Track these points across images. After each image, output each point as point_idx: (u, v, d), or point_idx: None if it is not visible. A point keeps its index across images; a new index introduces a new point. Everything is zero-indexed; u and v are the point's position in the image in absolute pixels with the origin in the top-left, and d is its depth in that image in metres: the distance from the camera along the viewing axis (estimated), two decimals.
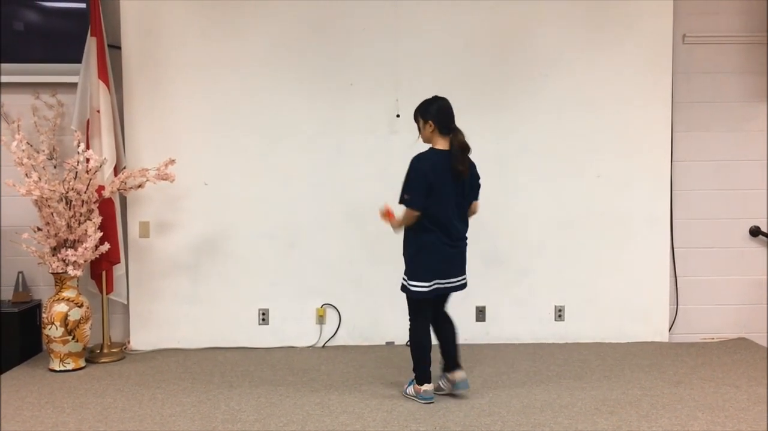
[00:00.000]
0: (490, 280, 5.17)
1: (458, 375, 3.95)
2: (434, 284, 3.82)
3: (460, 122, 5.04)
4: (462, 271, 3.95)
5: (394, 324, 4.92)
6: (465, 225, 3.94)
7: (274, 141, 5.08)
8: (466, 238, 3.96)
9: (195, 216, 5.07)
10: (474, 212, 4.01)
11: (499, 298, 5.18)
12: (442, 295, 3.96)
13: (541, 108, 5.11)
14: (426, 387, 3.89)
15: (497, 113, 5.11)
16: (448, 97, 5.06)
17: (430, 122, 3.86)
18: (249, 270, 5.10)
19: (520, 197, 5.15)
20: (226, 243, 5.09)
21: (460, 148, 3.80)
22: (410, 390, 3.98)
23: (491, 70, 5.11)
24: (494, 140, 5.12)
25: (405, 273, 3.88)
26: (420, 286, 3.80)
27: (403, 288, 3.89)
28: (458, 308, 5.13)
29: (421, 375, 3.91)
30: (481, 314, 5.20)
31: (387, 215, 3.84)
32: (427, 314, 3.92)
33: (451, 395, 4.00)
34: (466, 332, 5.17)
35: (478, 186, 3.98)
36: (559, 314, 5.21)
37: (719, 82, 5.25)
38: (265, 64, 5.04)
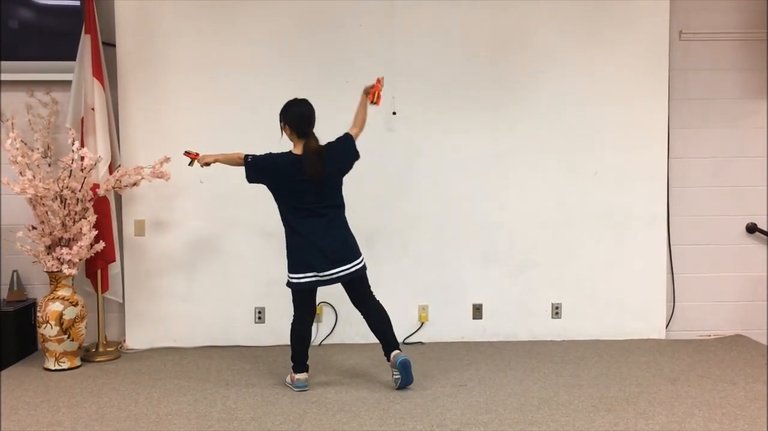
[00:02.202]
0: (487, 277, 5.16)
1: (395, 353, 4.02)
2: (310, 277, 4.00)
3: (456, 120, 5.08)
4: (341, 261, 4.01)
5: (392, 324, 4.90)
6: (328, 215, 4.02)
7: (269, 139, 5.03)
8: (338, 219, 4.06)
9: (191, 214, 5.05)
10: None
11: (496, 295, 5.18)
12: (335, 284, 4.06)
13: (538, 106, 5.10)
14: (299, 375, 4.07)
15: (494, 110, 5.10)
16: (445, 95, 5.09)
17: (287, 125, 4.05)
18: (245, 268, 5.09)
19: (517, 195, 5.14)
20: (221, 241, 5.07)
21: (313, 152, 3.94)
22: (288, 378, 4.16)
23: (488, 68, 5.10)
24: (491, 137, 5.11)
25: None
26: (296, 277, 4.03)
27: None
28: (455, 305, 5.16)
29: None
30: (478, 311, 5.19)
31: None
32: (304, 306, 4.09)
33: (449, 394, 3.98)
34: (463, 329, 5.18)
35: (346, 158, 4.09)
36: (556, 311, 5.20)
37: (716, 79, 5.25)
38: (261, 62, 5.02)
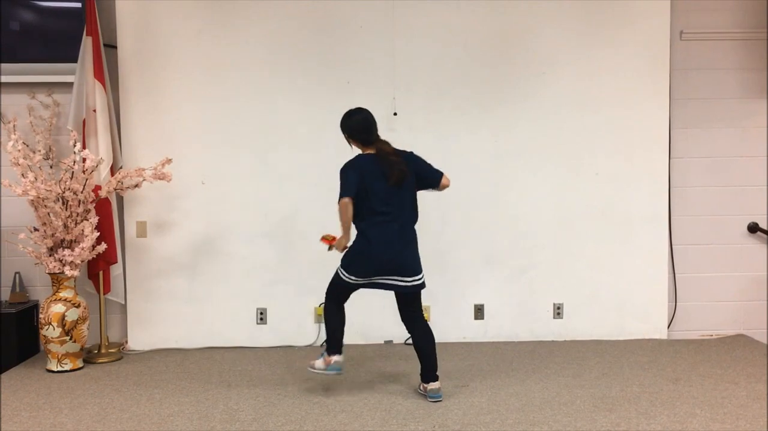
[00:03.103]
0: (488, 278, 5.16)
1: (431, 386, 3.92)
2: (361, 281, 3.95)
3: (457, 120, 5.08)
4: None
5: (393, 323, 4.90)
6: (401, 223, 3.91)
7: (271, 140, 5.07)
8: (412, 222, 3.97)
9: (192, 216, 5.05)
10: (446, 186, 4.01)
11: (498, 296, 5.18)
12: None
13: (539, 106, 5.10)
14: (336, 357, 3.96)
15: (495, 111, 5.10)
16: (446, 96, 5.09)
17: (350, 138, 3.96)
18: (247, 269, 5.09)
19: (519, 195, 5.14)
20: (223, 242, 5.08)
21: (391, 155, 3.85)
22: (319, 362, 3.98)
23: (489, 69, 5.10)
24: (492, 138, 5.11)
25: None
26: (347, 276, 3.96)
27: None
28: (457, 306, 5.16)
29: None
30: (479, 312, 5.19)
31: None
32: (345, 295, 4.06)
33: (451, 394, 3.99)
34: (465, 330, 5.18)
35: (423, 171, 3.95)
36: (558, 311, 5.20)
37: (717, 79, 5.25)
38: (262, 63, 5.03)
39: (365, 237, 3.87)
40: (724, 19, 5.22)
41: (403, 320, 4.01)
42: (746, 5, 5.23)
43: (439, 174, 3.94)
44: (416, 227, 3.96)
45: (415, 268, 3.89)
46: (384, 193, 3.80)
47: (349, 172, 3.83)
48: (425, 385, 3.93)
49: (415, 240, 3.94)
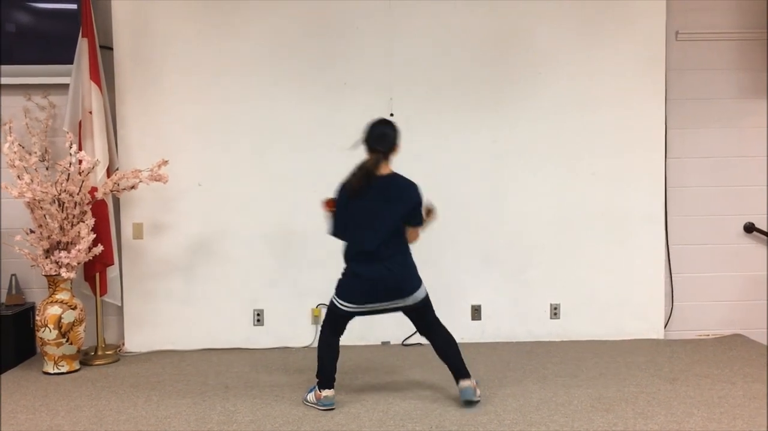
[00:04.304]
0: (485, 278, 5.16)
1: (462, 383, 3.81)
2: (354, 308, 3.81)
3: (455, 121, 5.08)
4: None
5: (389, 324, 4.91)
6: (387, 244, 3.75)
7: (268, 141, 5.06)
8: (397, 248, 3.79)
9: (189, 217, 5.05)
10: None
11: (495, 296, 5.18)
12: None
13: (536, 107, 5.11)
14: (326, 392, 3.80)
15: (491, 111, 5.10)
16: (443, 97, 5.10)
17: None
18: (244, 271, 5.09)
19: (515, 196, 5.15)
20: (220, 244, 5.07)
21: (361, 167, 3.74)
22: (310, 396, 3.87)
23: (485, 70, 5.10)
24: (488, 138, 5.12)
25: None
26: (341, 303, 3.83)
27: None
28: (454, 306, 5.15)
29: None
30: (476, 312, 5.19)
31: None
32: (339, 325, 3.89)
33: (448, 395, 3.99)
34: (462, 331, 5.16)
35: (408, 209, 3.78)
36: (555, 312, 5.21)
37: (712, 79, 5.26)
38: (259, 64, 5.02)
39: (353, 261, 3.76)
40: (720, 19, 5.23)
41: (420, 333, 3.95)
42: (742, 5, 5.24)
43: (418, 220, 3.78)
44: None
45: (412, 285, 3.76)
46: (360, 212, 3.69)
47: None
48: (459, 383, 3.80)
49: (401, 258, 3.75)
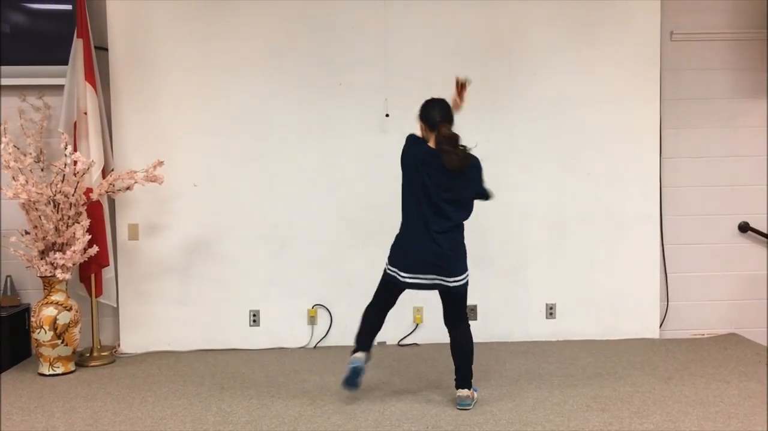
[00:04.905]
0: (481, 278, 5.15)
1: (460, 393, 3.83)
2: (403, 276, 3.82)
3: None
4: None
5: (385, 325, 4.90)
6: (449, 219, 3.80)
7: (263, 141, 5.06)
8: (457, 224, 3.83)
9: (184, 218, 5.04)
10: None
11: (491, 296, 5.18)
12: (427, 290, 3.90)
13: (531, 106, 5.11)
14: (357, 354, 3.86)
15: (487, 111, 5.10)
16: (438, 96, 5.08)
17: (422, 122, 3.86)
18: (239, 272, 5.09)
19: (511, 196, 5.14)
20: (216, 245, 5.07)
21: (448, 141, 3.74)
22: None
23: (480, 70, 5.10)
24: (483, 138, 5.07)
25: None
26: (391, 269, 3.85)
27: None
28: None
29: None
30: (472, 312, 5.19)
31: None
32: (383, 294, 3.93)
33: (444, 395, 3.99)
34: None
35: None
36: (551, 312, 5.22)
37: (707, 79, 5.28)
38: (254, 65, 5.02)
39: (408, 228, 3.81)
40: (714, 19, 5.25)
41: (445, 322, 3.93)
42: (736, 6, 5.25)
43: (485, 190, 3.87)
44: None
45: (459, 266, 3.80)
46: (435, 186, 3.72)
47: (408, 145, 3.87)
48: (457, 393, 3.82)
49: (460, 236, 3.82)
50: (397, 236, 3.87)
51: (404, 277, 3.79)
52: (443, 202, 3.73)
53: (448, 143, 3.73)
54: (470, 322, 5.13)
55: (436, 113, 3.82)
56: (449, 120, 3.83)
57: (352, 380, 3.80)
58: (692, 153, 5.29)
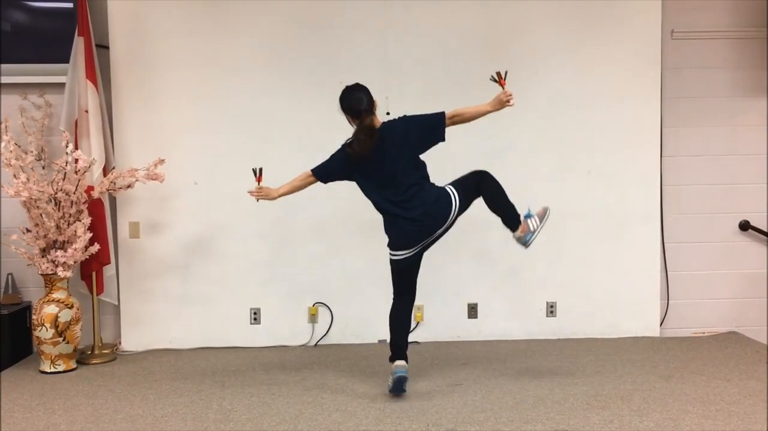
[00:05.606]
0: (481, 277, 5.17)
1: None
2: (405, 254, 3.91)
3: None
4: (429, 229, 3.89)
5: (386, 322, 4.92)
6: (408, 186, 3.86)
7: (264, 140, 5.07)
8: (419, 184, 3.88)
9: (185, 216, 5.05)
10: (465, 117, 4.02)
11: (491, 295, 5.19)
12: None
13: (532, 105, 5.10)
14: (396, 363, 3.92)
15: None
16: (438, 95, 5.09)
17: (345, 113, 3.96)
18: (240, 270, 5.09)
19: (511, 194, 5.13)
20: (217, 243, 5.07)
21: (363, 130, 3.83)
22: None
23: (481, 69, 5.06)
24: (485, 137, 5.12)
25: None
26: (393, 254, 3.95)
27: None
28: (450, 305, 5.17)
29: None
30: (473, 311, 5.20)
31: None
32: (398, 284, 4.02)
33: (445, 392, 4.00)
34: (459, 329, 5.19)
35: (425, 126, 3.91)
36: (551, 310, 5.22)
37: (708, 78, 5.28)
38: (255, 63, 5.03)
39: (386, 213, 3.91)
40: (715, 18, 5.25)
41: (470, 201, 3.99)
42: (736, 5, 5.25)
43: (439, 115, 3.90)
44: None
45: (446, 213, 3.85)
46: (374, 171, 3.84)
47: (331, 158, 3.97)
48: (513, 235, 3.96)
49: (428, 194, 3.85)
50: (383, 223, 3.95)
51: (409, 252, 3.90)
52: (392, 175, 3.83)
53: (366, 132, 3.80)
54: (471, 320, 5.21)
55: (357, 102, 3.89)
56: (371, 109, 3.90)
57: (398, 387, 3.88)
58: (693, 152, 5.29)
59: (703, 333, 5.33)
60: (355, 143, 3.82)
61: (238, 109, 5.04)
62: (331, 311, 5.15)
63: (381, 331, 5.10)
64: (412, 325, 5.12)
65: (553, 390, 4.03)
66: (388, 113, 4.99)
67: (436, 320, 5.17)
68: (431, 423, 3.53)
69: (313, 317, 5.13)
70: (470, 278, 5.18)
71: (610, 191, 5.17)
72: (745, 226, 5.33)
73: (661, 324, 5.27)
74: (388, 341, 4.04)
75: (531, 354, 4.79)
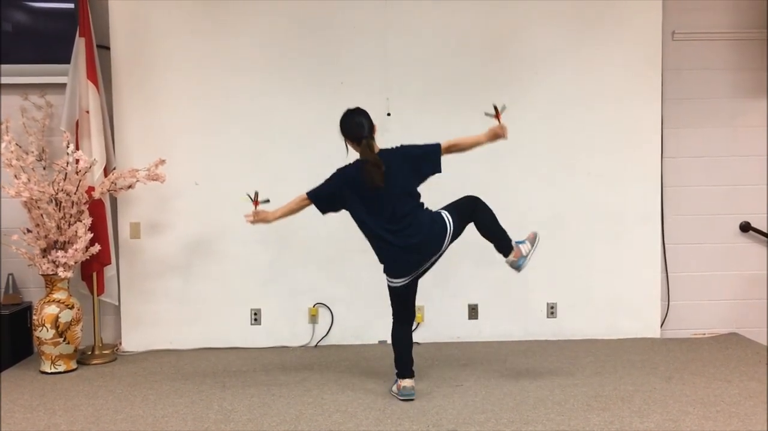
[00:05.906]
0: (482, 278, 5.17)
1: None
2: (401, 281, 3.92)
3: (451, 120, 5.08)
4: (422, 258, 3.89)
5: (386, 323, 4.91)
6: (403, 215, 3.85)
7: (264, 140, 5.07)
8: (413, 213, 3.87)
9: (186, 216, 5.05)
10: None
11: (492, 296, 5.19)
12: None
13: (532, 106, 5.11)
14: (404, 382, 3.93)
15: (488, 110, 5.09)
16: (439, 96, 5.10)
17: (345, 137, 3.94)
18: (241, 270, 5.09)
19: (511, 195, 5.15)
20: (217, 243, 5.07)
21: (370, 161, 3.81)
22: (393, 387, 4.02)
23: (481, 69, 5.11)
24: None
25: None
26: (389, 280, 3.96)
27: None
28: (451, 306, 5.17)
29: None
30: (473, 312, 5.21)
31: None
32: (396, 304, 4.02)
33: (445, 393, 4.00)
34: (459, 330, 5.19)
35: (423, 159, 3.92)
36: (552, 311, 5.22)
37: (708, 79, 5.28)
38: (256, 64, 5.03)
39: (379, 239, 3.89)
40: (716, 19, 5.25)
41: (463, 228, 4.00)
42: (738, 5, 5.25)
43: (434, 147, 3.92)
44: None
45: (441, 240, 3.85)
46: (369, 202, 3.83)
47: (332, 180, 3.93)
48: (505, 260, 4.01)
49: (424, 222, 3.84)
50: (375, 249, 3.94)
51: (405, 280, 3.91)
52: (388, 204, 3.83)
53: (374, 163, 3.79)
54: (471, 321, 5.21)
55: (359, 129, 3.87)
56: (372, 134, 3.89)
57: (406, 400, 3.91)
58: (693, 153, 5.29)
59: (704, 334, 5.33)
60: (367, 178, 3.78)
61: (238, 109, 5.04)
62: (331, 312, 5.15)
63: (381, 332, 5.11)
64: (413, 325, 5.14)
65: (554, 391, 4.03)
66: (389, 114, 5.02)
67: (437, 321, 5.17)
68: (432, 424, 3.53)
69: (313, 318, 5.14)
70: (470, 279, 5.18)
71: (611, 192, 5.17)
72: (745, 227, 5.33)
73: (661, 325, 5.27)
74: (394, 358, 4.02)
75: (531, 355, 4.80)
